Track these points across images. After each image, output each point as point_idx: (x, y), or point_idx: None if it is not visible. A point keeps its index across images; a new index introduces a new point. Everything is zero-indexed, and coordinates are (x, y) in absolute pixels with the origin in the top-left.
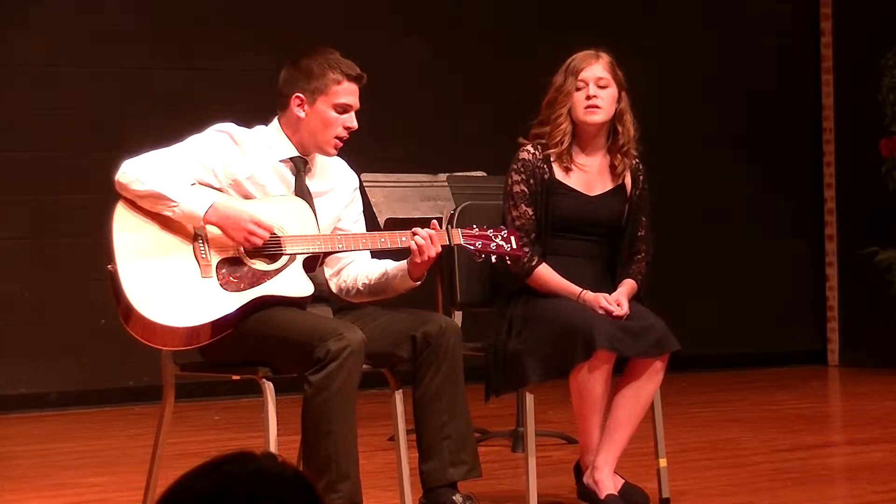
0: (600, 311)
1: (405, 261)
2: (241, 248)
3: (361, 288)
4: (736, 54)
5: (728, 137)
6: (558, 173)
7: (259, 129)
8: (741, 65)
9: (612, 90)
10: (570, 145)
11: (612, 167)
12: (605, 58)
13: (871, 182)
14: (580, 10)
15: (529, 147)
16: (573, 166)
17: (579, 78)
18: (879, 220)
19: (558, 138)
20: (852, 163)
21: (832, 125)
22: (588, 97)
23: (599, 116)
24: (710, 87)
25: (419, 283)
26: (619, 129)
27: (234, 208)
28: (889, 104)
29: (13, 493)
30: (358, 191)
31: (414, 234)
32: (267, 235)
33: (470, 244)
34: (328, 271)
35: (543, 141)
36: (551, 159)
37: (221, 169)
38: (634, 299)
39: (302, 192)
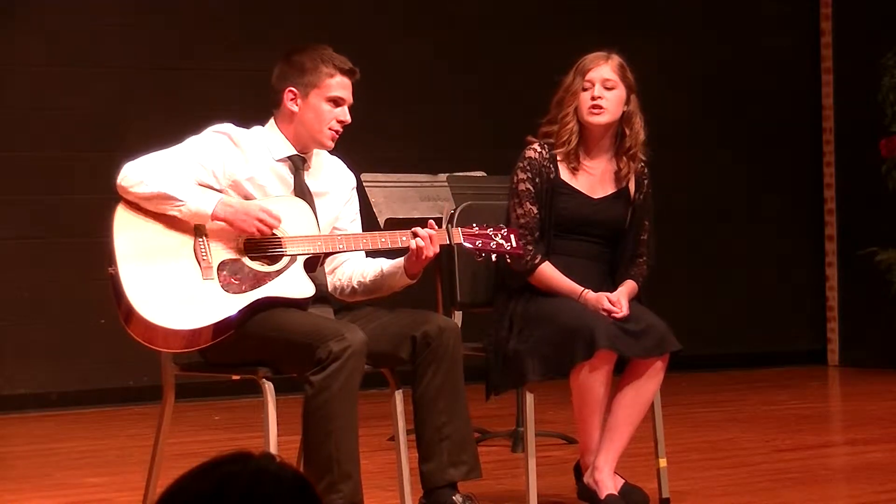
0: (602, 312)
1: (401, 258)
2: (242, 247)
3: (357, 286)
4: (736, 54)
5: (728, 137)
6: (564, 173)
7: (256, 129)
8: (741, 65)
9: (619, 92)
10: (577, 145)
11: (618, 170)
12: (615, 59)
13: (871, 182)
14: (580, 10)
15: (536, 146)
16: (579, 167)
17: (586, 78)
18: (879, 220)
19: (565, 137)
20: (852, 163)
21: (832, 125)
22: (593, 98)
23: (603, 118)
24: (711, 87)
25: (415, 280)
26: (627, 131)
27: (242, 201)
28: (889, 104)
29: (13, 493)
30: (355, 190)
31: (414, 234)
32: (277, 224)
33: (469, 243)
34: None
35: (551, 140)
36: (558, 159)
37: (221, 170)
38: (634, 300)
39: (302, 191)
